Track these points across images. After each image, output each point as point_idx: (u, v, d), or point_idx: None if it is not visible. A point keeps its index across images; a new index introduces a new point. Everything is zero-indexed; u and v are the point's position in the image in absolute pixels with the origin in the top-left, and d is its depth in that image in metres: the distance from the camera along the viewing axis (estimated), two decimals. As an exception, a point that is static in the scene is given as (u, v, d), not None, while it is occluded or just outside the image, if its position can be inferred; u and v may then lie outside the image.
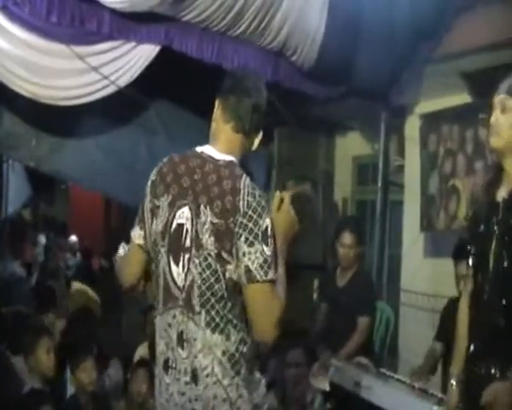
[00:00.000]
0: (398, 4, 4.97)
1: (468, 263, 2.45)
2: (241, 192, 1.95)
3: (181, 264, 1.99)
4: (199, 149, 2.09)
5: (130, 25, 4.26)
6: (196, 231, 1.96)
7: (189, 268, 1.98)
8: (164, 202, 2.04)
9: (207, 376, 1.95)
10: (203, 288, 1.96)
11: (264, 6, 4.49)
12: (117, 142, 5.06)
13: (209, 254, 1.95)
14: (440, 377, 3.77)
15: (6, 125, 4.63)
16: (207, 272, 1.95)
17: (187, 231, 1.98)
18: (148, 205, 2.09)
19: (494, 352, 2.24)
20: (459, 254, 3.63)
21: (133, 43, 4.36)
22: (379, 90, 5.46)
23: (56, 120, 4.55)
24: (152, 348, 3.86)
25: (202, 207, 1.96)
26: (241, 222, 1.92)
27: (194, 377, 1.96)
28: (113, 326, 4.94)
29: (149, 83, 4.67)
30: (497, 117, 2.28)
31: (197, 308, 1.96)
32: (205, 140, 2.15)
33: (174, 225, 2.01)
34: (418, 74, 5.38)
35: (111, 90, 4.42)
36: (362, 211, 6.89)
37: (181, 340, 1.98)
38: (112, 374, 4.19)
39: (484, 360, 2.27)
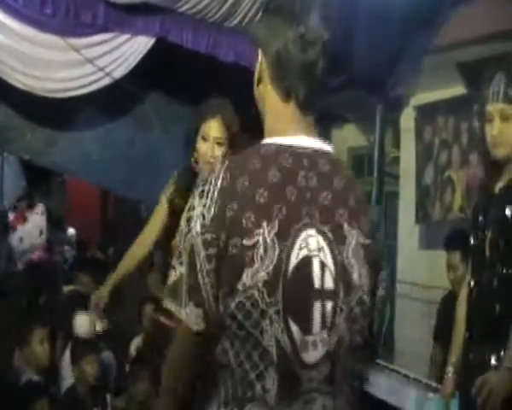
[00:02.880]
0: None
1: (465, 253, 2.48)
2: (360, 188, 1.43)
3: (314, 323, 1.28)
4: (273, 140, 1.37)
5: (125, 17, 4.25)
6: (342, 263, 1.31)
7: (332, 325, 1.29)
8: (263, 235, 1.27)
9: None
10: (353, 348, 1.33)
11: (260, -3, 4.49)
12: (112, 134, 5.05)
13: (363, 293, 1.33)
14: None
15: (1, 118, 4.62)
16: (361, 322, 1.33)
17: (323, 266, 1.29)
18: (213, 258, 1.28)
19: (490, 339, 2.27)
20: (451, 244, 3.66)
21: (128, 35, 4.35)
22: (375, 81, 5.45)
23: (51, 112, 4.54)
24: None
25: (345, 224, 1.32)
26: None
27: None
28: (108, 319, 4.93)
29: (145, 75, 4.66)
30: (498, 127, 2.24)
31: (339, 381, 1.32)
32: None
33: (294, 264, 1.27)
34: (414, 66, 5.38)
35: (106, 82, 4.41)
36: (357, 202, 6.89)
37: None
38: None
39: (480, 348, 2.29)
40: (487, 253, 2.31)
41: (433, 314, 4.18)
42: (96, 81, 4.39)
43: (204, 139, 2.79)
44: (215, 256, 1.27)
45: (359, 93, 5.55)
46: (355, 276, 1.31)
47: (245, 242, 1.26)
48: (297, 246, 1.28)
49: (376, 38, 5.05)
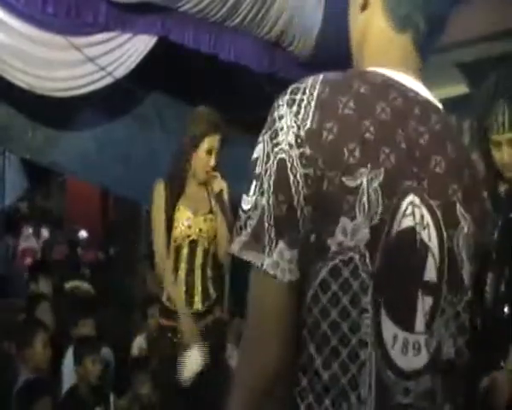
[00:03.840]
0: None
1: None
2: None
3: (417, 318, 0.95)
4: (378, 69, 1.05)
5: (127, 16, 4.25)
6: (451, 252, 0.97)
7: (432, 327, 0.96)
8: (367, 180, 0.92)
9: None
10: (458, 363, 1.03)
11: (261, -4, 4.49)
12: (113, 133, 5.05)
13: (471, 297, 1.01)
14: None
15: (2, 117, 4.61)
16: (468, 332, 1.04)
17: (426, 250, 0.95)
18: (312, 181, 0.91)
19: (498, 342, 2.27)
20: None
21: (129, 34, 4.35)
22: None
23: (52, 111, 4.54)
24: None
25: (459, 205, 0.98)
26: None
27: None
28: (109, 318, 4.93)
29: (146, 74, 4.66)
30: (509, 153, 2.29)
31: (440, 399, 0.98)
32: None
33: (397, 231, 0.93)
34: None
35: (107, 81, 4.41)
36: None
37: None
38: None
39: (487, 350, 2.29)
40: (493, 256, 2.31)
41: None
42: (97, 80, 4.39)
43: (209, 152, 2.97)
44: (314, 180, 0.90)
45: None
46: (464, 273, 0.98)
47: (346, 180, 0.90)
48: (402, 209, 0.93)
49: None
